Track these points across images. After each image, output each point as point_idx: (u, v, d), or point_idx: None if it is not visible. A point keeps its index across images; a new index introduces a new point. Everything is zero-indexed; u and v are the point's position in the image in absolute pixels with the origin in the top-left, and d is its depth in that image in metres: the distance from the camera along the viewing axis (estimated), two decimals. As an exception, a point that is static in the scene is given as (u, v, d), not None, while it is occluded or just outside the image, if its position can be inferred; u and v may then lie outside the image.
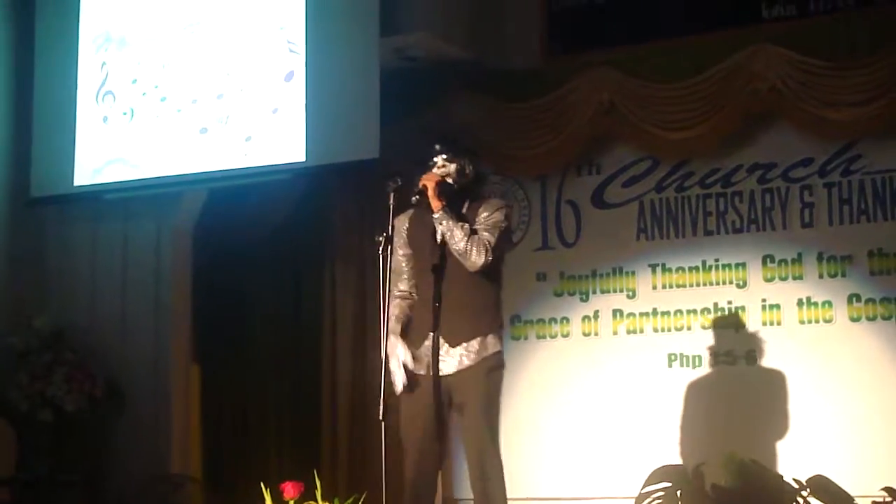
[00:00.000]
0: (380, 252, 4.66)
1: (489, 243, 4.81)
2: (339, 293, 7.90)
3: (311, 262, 8.08)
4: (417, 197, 4.84)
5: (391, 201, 4.75)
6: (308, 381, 7.98)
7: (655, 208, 7.34)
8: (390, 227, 4.73)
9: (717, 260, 7.17)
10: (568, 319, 7.47)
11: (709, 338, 7.12)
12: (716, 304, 7.14)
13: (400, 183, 4.77)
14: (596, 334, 7.41)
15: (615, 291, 7.37)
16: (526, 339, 7.49)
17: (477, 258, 4.77)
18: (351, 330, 7.84)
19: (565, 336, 7.48)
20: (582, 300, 7.47)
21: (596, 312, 7.43)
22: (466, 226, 4.82)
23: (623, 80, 7.17)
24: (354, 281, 7.84)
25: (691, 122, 7.04)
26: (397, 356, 4.80)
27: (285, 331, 8.15)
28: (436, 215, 4.85)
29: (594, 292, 7.42)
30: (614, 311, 7.39)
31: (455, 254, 4.80)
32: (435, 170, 4.93)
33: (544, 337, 7.50)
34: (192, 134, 7.53)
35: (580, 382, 7.39)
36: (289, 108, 7.30)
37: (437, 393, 4.84)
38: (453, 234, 4.78)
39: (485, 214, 4.92)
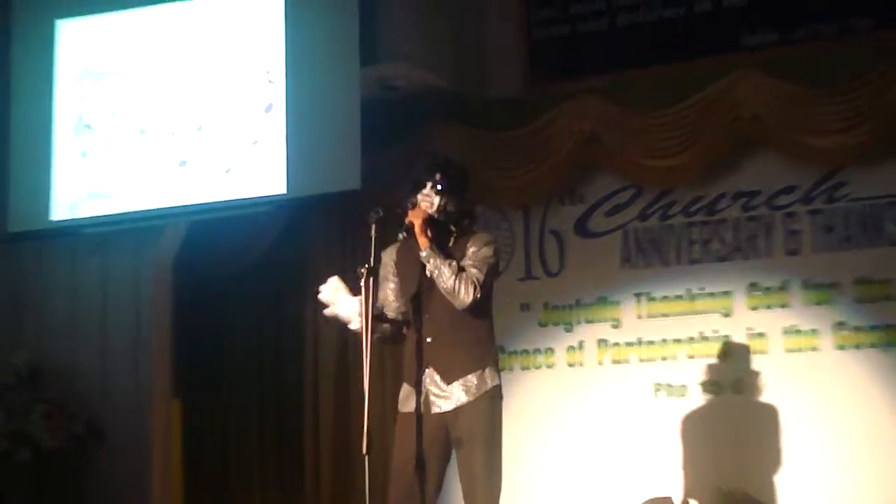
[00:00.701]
0: (361, 284, 4.57)
1: (478, 280, 4.71)
2: (321, 326, 7.75)
3: (292, 295, 7.95)
4: (404, 235, 4.75)
5: (373, 232, 4.65)
6: (290, 417, 7.90)
7: (640, 237, 7.30)
8: (372, 259, 4.63)
9: (702, 288, 7.14)
10: (553, 350, 7.41)
11: (695, 367, 7.07)
12: (701, 333, 7.11)
13: (382, 214, 4.67)
14: (581, 364, 7.34)
15: (600, 321, 7.32)
16: (511, 370, 7.35)
17: (465, 296, 4.69)
18: (333, 364, 7.76)
19: (550, 367, 7.41)
20: (566, 330, 7.42)
21: (581, 342, 7.37)
22: (454, 263, 4.72)
23: (605, 109, 7.16)
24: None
25: (674, 150, 7.03)
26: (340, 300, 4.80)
27: (267, 365, 8.06)
28: (423, 254, 4.74)
29: (579, 322, 7.37)
30: (599, 341, 7.33)
31: (443, 292, 4.71)
32: (422, 203, 4.79)
33: (529, 368, 7.42)
34: (171, 167, 7.46)
35: (565, 413, 7.31)
36: (269, 139, 7.25)
37: (420, 434, 4.75)
38: (441, 273, 4.69)
39: (473, 249, 4.81)
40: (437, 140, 7.35)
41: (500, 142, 7.39)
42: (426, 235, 4.72)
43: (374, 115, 7.01)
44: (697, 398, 7.03)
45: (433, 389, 4.76)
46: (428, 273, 4.73)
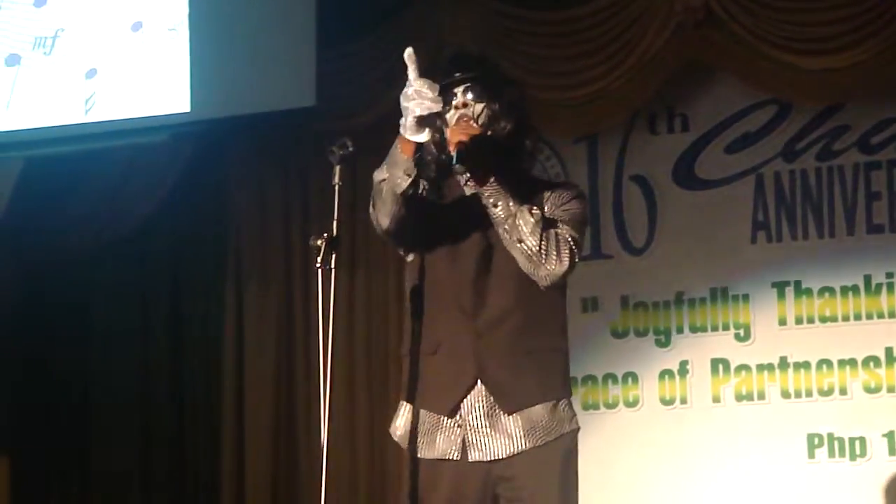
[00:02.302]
0: (317, 265, 3.96)
1: (574, 241, 4.19)
2: (249, 329, 7.13)
3: (200, 276, 7.35)
4: (460, 164, 4.14)
5: (337, 179, 4.02)
6: (196, 477, 7.17)
7: (784, 188, 6.49)
8: (336, 223, 4.04)
9: (890, 275, 6.29)
10: (636, 377, 6.60)
11: (880, 409, 6.22)
12: (890, 352, 6.23)
13: (351, 149, 4.09)
14: (685, 403, 6.53)
15: (716, 330, 6.52)
16: (566, 410, 6.45)
17: (557, 264, 4.16)
18: (271, 390, 7.02)
19: (632, 406, 6.61)
20: (660, 344, 6.57)
21: (684, 365, 6.49)
22: (537, 211, 4.19)
23: (726, -30, 6.43)
24: (275, 309, 7.08)
25: (844, 40, 6.15)
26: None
27: (158, 392, 7.37)
28: (486, 192, 4.16)
29: (680, 331, 6.56)
30: (715, 364, 6.45)
31: (519, 255, 4.17)
32: (454, 118, 4.20)
33: (597, 407, 6.63)
34: (-6, 67, 6.95)
35: (659, 483, 6.46)
36: (160, 21, 6.77)
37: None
38: (516, 225, 4.15)
39: (554, 205, 4.21)
40: (433, 23, 6.67)
41: (547, 27, 6.60)
42: (488, 165, 4.24)
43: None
44: (885, 462, 6.16)
45: (472, 421, 4.20)
46: (494, 222, 4.23)
